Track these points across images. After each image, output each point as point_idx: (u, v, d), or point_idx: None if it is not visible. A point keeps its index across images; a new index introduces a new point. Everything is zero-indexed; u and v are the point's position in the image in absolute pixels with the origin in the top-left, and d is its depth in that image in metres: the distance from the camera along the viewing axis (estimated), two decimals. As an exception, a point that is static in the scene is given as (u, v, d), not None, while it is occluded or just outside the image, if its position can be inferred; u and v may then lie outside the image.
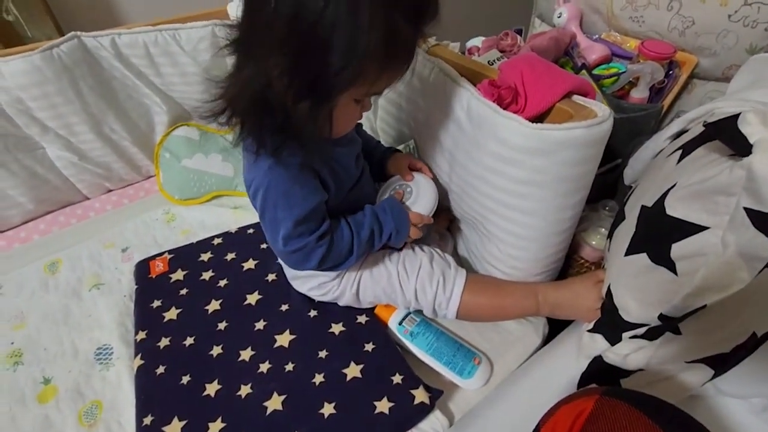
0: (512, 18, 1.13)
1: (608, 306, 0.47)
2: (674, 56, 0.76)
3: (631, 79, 0.76)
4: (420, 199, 0.58)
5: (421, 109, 0.63)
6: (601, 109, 0.46)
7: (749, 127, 0.29)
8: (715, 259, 0.32)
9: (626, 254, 0.43)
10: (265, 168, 0.45)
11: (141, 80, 0.80)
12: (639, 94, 0.74)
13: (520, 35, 0.89)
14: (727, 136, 0.31)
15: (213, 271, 0.68)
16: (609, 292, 0.47)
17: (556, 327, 0.62)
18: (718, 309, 0.35)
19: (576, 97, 0.51)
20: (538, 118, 0.51)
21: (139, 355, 0.57)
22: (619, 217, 0.52)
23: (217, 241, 0.73)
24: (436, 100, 0.58)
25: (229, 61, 0.42)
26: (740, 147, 0.30)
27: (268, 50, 0.36)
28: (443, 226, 0.74)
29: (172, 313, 0.62)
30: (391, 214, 0.54)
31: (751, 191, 0.28)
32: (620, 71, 0.78)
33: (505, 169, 0.50)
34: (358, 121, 0.69)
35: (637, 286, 0.41)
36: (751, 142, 0.29)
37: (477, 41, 0.88)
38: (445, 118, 0.57)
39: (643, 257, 0.39)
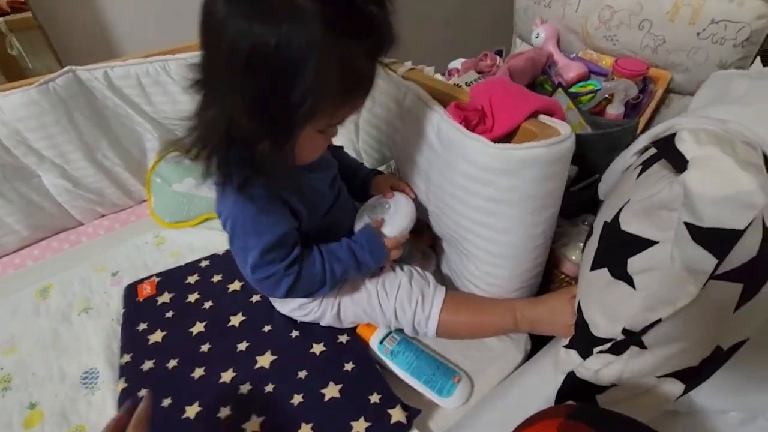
0: (495, 39, 1.16)
1: (579, 321, 0.47)
2: (647, 73, 0.78)
3: (606, 96, 0.78)
4: (397, 214, 0.59)
5: (399, 131, 0.65)
6: (564, 128, 0.48)
7: (684, 145, 0.30)
8: (666, 272, 0.33)
9: (591, 269, 0.43)
10: (232, 199, 0.46)
11: (133, 109, 0.83)
12: (614, 110, 0.76)
13: (501, 56, 0.91)
14: (668, 153, 0.32)
15: (199, 293, 0.69)
16: (579, 308, 0.47)
17: (539, 343, 0.62)
18: (676, 322, 0.36)
19: (542, 117, 0.53)
20: (506, 139, 0.53)
21: (123, 378, 0.58)
22: (590, 232, 0.52)
23: (204, 263, 0.75)
24: (411, 123, 0.60)
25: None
26: (679, 164, 0.31)
27: (228, 90, 0.37)
28: (426, 244, 0.75)
29: (157, 336, 0.63)
30: (368, 250, 0.54)
31: (689, 207, 0.29)
32: (596, 88, 0.80)
33: (475, 189, 0.51)
34: (339, 145, 0.71)
35: (602, 301, 0.42)
36: (687, 159, 0.30)
37: (458, 63, 0.90)
38: (420, 140, 0.59)
39: (604, 272, 0.40)
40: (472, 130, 0.51)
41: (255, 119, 0.38)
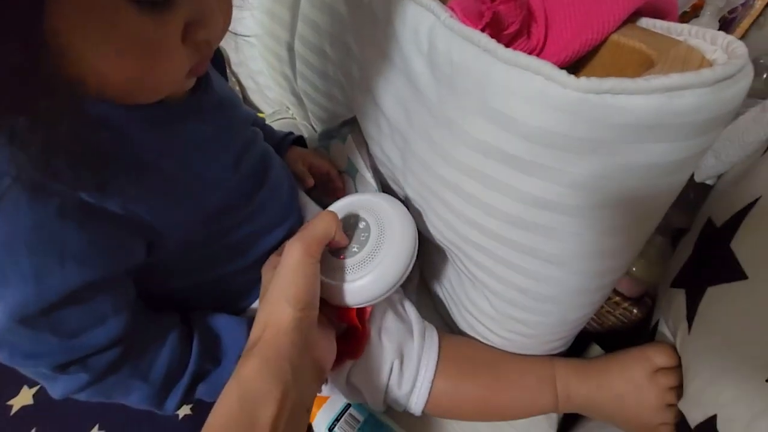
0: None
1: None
2: (753, -31, 0.50)
3: (686, 9, 0.50)
4: (385, 250, 0.29)
5: (354, 57, 0.36)
6: (729, 43, 0.21)
7: None
8: None
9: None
10: None
11: None
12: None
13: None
14: None
15: None
16: (711, 423, 0.23)
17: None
18: None
19: (646, 21, 0.25)
20: (572, 67, 0.25)
21: None
22: (703, 250, 0.27)
23: None
24: (374, 38, 0.31)
25: None
26: None
27: None
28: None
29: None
30: None
31: None
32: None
33: (505, 177, 0.24)
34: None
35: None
36: None
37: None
38: (390, 72, 0.30)
39: None
40: (507, 46, 0.23)
41: None
